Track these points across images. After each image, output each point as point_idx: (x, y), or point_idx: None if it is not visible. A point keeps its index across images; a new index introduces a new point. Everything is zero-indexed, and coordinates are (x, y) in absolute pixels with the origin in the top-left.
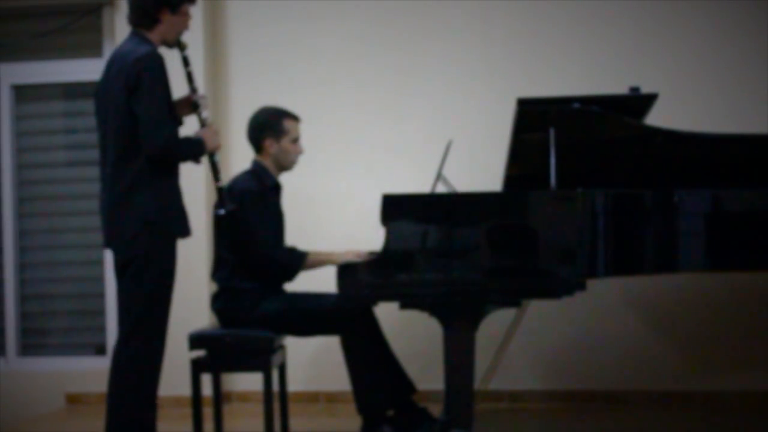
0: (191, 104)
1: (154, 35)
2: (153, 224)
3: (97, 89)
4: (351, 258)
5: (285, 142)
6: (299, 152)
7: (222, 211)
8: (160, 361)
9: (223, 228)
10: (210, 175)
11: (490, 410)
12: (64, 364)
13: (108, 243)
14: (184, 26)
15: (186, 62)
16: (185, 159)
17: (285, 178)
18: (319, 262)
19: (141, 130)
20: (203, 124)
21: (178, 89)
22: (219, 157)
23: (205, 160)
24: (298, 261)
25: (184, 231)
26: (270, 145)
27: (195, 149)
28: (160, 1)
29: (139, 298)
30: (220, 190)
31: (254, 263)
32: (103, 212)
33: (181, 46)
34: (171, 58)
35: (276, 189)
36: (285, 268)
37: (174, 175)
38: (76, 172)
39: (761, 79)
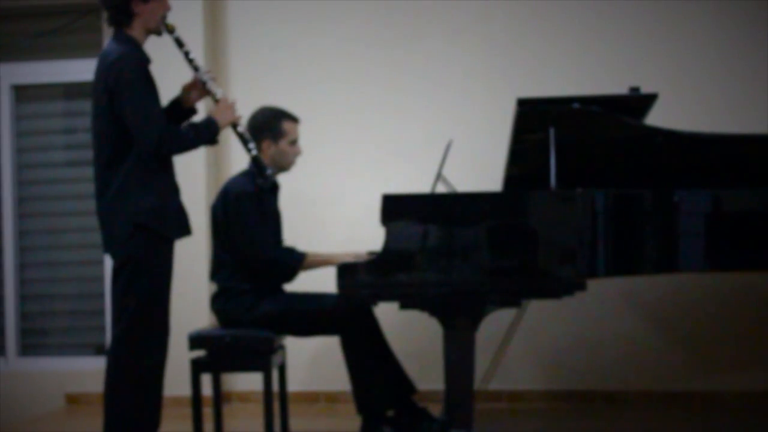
0: (200, 84)
1: (135, 30)
2: (144, 227)
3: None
4: (350, 259)
5: (283, 143)
6: (297, 153)
7: (261, 180)
8: (159, 362)
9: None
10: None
11: (490, 410)
12: (63, 364)
13: (105, 248)
14: (163, 9)
15: (180, 43)
16: (193, 146)
17: (285, 178)
18: (318, 263)
19: (134, 134)
20: (215, 100)
21: (185, 75)
22: (243, 128)
23: (228, 132)
24: (297, 261)
25: (181, 231)
26: (268, 146)
27: (203, 133)
28: None
29: (133, 301)
30: (255, 159)
31: (254, 265)
32: (98, 216)
33: (169, 29)
34: (171, 48)
35: (273, 189)
36: (284, 269)
37: (168, 173)
38: (76, 172)
39: (761, 79)
